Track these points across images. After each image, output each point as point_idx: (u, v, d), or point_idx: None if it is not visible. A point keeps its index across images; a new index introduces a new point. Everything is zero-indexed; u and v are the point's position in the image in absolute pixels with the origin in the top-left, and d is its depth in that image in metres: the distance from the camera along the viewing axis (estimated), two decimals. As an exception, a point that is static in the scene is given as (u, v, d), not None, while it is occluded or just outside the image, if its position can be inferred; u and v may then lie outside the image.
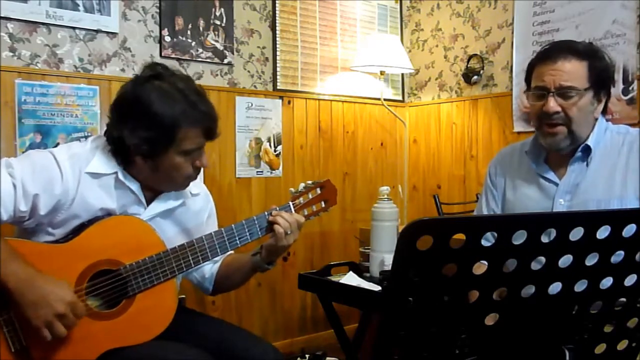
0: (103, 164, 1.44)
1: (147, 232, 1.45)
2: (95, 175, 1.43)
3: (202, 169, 1.53)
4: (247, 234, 1.52)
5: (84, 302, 1.34)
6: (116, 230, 1.42)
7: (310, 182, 1.65)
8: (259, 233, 1.54)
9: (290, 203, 1.59)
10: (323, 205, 1.65)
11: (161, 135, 1.39)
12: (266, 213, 1.55)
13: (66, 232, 1.41)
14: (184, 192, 1.58)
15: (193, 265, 1.47)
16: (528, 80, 1.60)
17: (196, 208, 1.64)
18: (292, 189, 1.63)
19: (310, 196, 1.63)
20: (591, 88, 1.51)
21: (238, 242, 1.52)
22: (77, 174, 1.40)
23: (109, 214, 1.44)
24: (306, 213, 1.61)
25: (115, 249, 1.39)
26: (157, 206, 1.52)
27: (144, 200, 1.49)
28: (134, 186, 1.47)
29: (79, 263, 1.36)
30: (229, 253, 1.60)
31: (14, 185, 1.33)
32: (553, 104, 1.50)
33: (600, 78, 1.52)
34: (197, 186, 1.65)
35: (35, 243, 1.38)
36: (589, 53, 1.52)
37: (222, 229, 1.51)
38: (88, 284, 1.37)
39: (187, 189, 1.58)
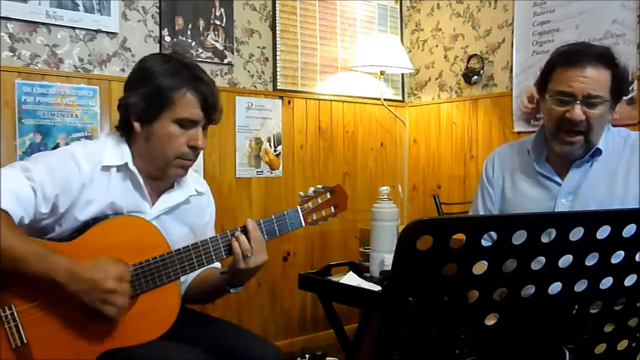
0: (114, 154, 1.45)
1: (152, 232, 1.44)
2: (106, 168, 1.44)
3: (200, 154, 1.51)
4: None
5: None
6: (120, 229, 1.42)
7: (320, 186, 1.62)
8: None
9: (299, 207, 1.57)
10: (333, 211, 1.63)
11: (157, 93, 1.40)
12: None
13: (72, 229, 1.41)
14: (189, 188, 1.57)
15: (197, 268, 1.45)
16: (545, 81, 1.55)
17: (200, 207, 1.63)
18: (301, 193, 1.61)
19: (319, 201, 1.60)
20: (612, 98, 1.50)
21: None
22: (94, 171, 1.42)
23: (115, 211, 1.44)
24: (315, 218, 1.59)
25: (119, 248, 1.39)
26: (163, 203, 1.52)
27: (148, 196, 1.49)
28: (141, 178, 1.47)
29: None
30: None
31: (34, 190, 1.33)
32: (579, 112, 1.46)
33: (620, 87, 1.51)
34: (202, 185, 1.65)
35: (41, 241, 1.37)
36: (612, 62, 1.50)
37: (228, 231, 1.49)
38: None
39: (192, 185, 1.58)
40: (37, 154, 1.45)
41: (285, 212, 1.55)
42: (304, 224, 1.57)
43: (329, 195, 1.62)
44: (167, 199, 1.53)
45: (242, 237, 1.45)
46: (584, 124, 1.48)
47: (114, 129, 1.52)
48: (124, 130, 1.48)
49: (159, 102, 1.41)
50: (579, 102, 1.46)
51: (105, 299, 1.28)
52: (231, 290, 1.54)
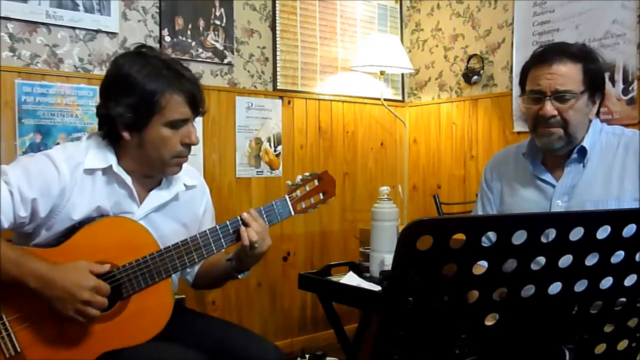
0: (97, 158, 1.43)
1: (140, 232, 1.42)
2: (90, 172, 1.42)
3: (191, 148, 1.50)
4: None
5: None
6: (108, 231, 1.40)
7: (307, 174, 1.61)
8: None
9: (287, 196, 1.55)
10: (321, 197, 1.61)
11: (144, 102, 1.38)
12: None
13: (58, 234, 1.39)
14: (177, 184, 1.55)
15: (189, 265, 1.44)
16: (523, 83, 1.60)
17: (191, 201, 1.61)
18: (289, 182, 1.59)
19: (307, 188, 1.58)
20: (586, 91, 1.51)
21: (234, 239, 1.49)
22: (74, 174, 1.40)
23: (101, 214, 1.42)
24: (304, 206, 1.57)
25: (107, 250, 1.37)
26: (151, 201, 1.50)
27: (136, 195, 1.47)
28: (128, 179, 1.45)
29: None
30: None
31: (11, 193, 1.32)
32: (550, 108, 1.50)
33: (595, 80, 1.53)
34: (193, 178, 1.62)
35: (27, 248, 1.36)
36: (583, 55, 1.52)
37: (217, 225, 1.48)
38: None
39: (182, 180, 1.56)
40: (18, 157, 1.43)
41: (273, 202, 1.54)
42: (293, 213, 1.56)
43: (316, 182, 1.61)
44: (155, 198, 1.51)
45: (249, 229, 1.47)
46: (558, 119, 1.51)
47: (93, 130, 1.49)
48: (109, 138, 1.45)
49: (147, 110, 1.39)
50: (548, 98, 1.50)
51: (78, 309, 1.27)
52: (239, 276, 1.56)
